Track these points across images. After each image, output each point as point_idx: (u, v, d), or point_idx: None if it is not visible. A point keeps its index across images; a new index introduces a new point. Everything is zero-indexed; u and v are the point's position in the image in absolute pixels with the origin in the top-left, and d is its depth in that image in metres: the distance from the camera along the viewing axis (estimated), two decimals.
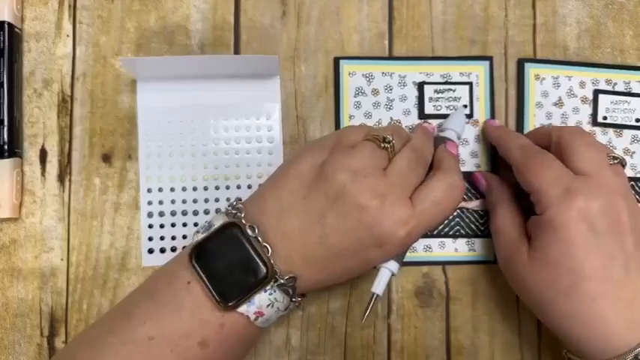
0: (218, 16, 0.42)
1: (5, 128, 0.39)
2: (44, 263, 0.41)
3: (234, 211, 0.33)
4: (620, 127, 0.43)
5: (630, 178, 0.42)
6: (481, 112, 0.42)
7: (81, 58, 0.42)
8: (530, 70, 0.43)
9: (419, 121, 0.42)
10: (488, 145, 0.42)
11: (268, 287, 0.32)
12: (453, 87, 0.42)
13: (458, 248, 0.42)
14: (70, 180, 0.41)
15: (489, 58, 0.43)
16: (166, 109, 0.41)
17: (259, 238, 0.32)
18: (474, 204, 0.42)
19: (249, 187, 0.41)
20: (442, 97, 0.42)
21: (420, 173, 0.35)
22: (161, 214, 0.41)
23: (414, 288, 0.42)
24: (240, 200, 0.35)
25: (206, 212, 0.41)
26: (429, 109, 0.42)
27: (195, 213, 0.41)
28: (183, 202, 0.41)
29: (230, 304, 0.32)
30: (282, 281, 0.32)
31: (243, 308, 0.32)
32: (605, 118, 0.43)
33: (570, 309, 0.33)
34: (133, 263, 0.41)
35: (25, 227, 0.41)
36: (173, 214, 0.41)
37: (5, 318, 0.40)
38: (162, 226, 0.41)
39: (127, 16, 0.42)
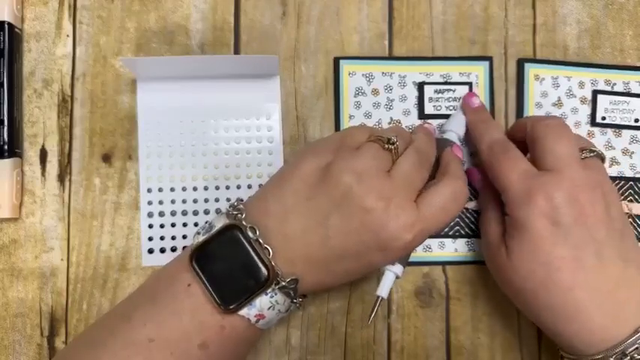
0: (218, 16, 0.42)
1: (5, 128, 0.39)
2: (44, 263, 0.41)
3: (234, 212, 0.33)
4: (619, 127, 0.43)
5: (630, 178, 0.42)
6: None
7: (81, 58, 0.42)
8: (530, 70, 0.43)
9: (419, 122, 0.42)
10: None
11: (269, 290, 0.32)
12: (452, 87, 0.42)
13: (458, 248, 0.42)
14: (70, 180, 0.41)
15: (489, 59, 0.43)
16: (166, 109, 0.41)
17: (260, 240, 0.32)
18: (473, 204, 0.42)
19: (250, 187, 0.41)
20: (442, 98, 0.42)
21: (424, 175, 0.35)
22: (161, 214, 0.41)
23: (414, 288, 0.42)
24: (241, 201, 0.35)
25: (206, 212, 0.41)
26: (429, 109, 0.42)
27: (195, 213, 0.41)
28: (183, 202, 0.41)
29: (231, 307, 0.31)
30: (283, 283, 0.32)
31: (243, 311, 0.32)
32: (603, 118, 0.43)
33: (550, 301, 0.33)
34: (133, 263, 0.41)
35: (25, 227, 0.41)
36: (173, 214, 0.41)
37: (5, 318, 0.40)
38: (162, 226, 0.41)
39: (127, 16, 0.42)
